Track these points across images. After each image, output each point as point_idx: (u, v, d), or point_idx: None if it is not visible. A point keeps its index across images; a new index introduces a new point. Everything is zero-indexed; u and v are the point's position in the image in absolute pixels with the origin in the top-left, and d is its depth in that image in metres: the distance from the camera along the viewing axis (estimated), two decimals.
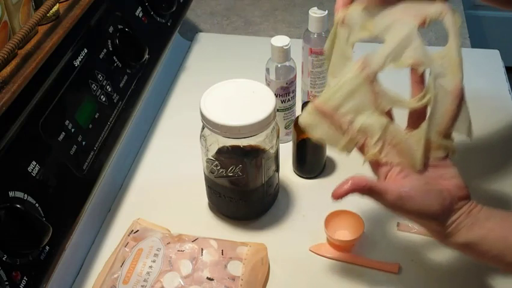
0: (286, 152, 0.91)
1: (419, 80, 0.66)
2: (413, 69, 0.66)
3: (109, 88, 0.85)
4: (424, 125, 0.64)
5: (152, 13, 1.00)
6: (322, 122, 0.65)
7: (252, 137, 0.78)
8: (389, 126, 0.65)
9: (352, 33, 0.67)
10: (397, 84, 0.65)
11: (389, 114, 0.66)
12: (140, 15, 0.97)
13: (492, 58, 1.14)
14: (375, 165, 0.66)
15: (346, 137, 0.65)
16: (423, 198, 0.64)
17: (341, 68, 0.66)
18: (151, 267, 0.75)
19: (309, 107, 0.65)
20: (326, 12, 0.93)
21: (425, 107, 0.65)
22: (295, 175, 0.93)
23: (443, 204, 0.64)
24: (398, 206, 0.64)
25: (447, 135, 0.65)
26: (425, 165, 0.65)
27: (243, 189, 0.83)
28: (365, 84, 0.64)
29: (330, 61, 0.69)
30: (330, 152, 0.92)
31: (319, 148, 0.90)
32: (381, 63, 0.64)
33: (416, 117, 0.66)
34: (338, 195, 0.64)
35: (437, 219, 0.64)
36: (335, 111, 0.64)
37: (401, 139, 0.64)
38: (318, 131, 0.66)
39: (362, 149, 0.66)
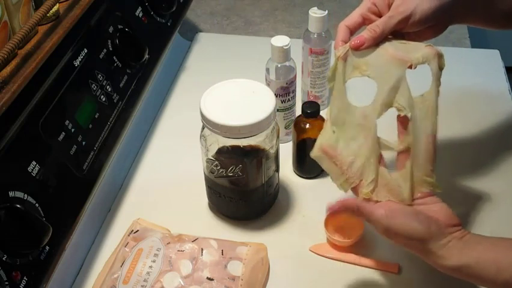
0: (286, 152, 0.91)
1: (404, 124, 0.71)
2: (398, 115, 0.71)
3: (109, 88, 0.85)
4: (408, 164, 0.70)
5: (152, 13, 1.00)
6: (327, 159, 0.71)
7: (252, 137, 0.78)
8: (380, 168, 0.70)
9: (347, 71, 0.72)
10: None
11: (380, 157, 0.71)
12: (140, 15, 0.97)
13: (492, 58, 1.14)
14: (368, 201, 0.71)
15: (344, 177, 0.70)
16: (411, 219, 0.67)
17: (340, 102, 0.72)
18: (151, 267, 0.75)
19: (317, 143, 0.71)
20: (326, 12, 0.93)
21: (409, 149, 0.70)
22: (295, 175, 0.93)
23: (429, 228, 0.66)
24: (386, 226, 0.67)
25: (428, 173, 0.70)
26: (413, 199, 0.70)
27: (243, 189, 0.83)
28: (364, 131, 0.70)
29: (331, 86, 0.73)
30: None
31: None
32: (379, 111, 0.70)
33: (403, 158, 0.71)
34: (331, 209, 0.70)
35: (426, 241, 0.66)
36: (338, 153, 0.70)
37: (390, 179, 0.70)
38: (323, 164, 0.71)
39: (355, 190, 0.70)
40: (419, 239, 0.66)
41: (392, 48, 0.72)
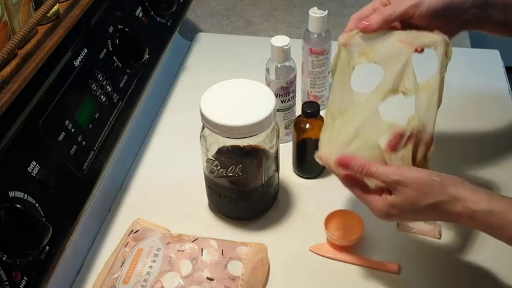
0: (286, 152, 0.91)
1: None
2: None
3: (109, 88, 0.85)
4: (409, 147, 0.70)
5: (152, 13, 1.00)
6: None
7: (252, 137, 0.78)
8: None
9: (352, 58, 0.72)
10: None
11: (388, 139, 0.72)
12: (140, 15, 0.97)
13: (492, 58, 1.14)
14: None
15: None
16: (420, 172, 0.67)
17: (342, 88, 0.73)
18: (151, 267, 0.75)
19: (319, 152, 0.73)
20: (326, 12, 0.93)
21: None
22: (295, 175, 0.93)
23: (439, 174, 0.67)
24: (399, 179, 0.66)
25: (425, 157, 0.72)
26: None
27: (243, 189, 0.83)
28: (364, 113, 0.71)
29: (334, 77, 0.74)
30: None
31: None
32: (382, 95, 0.71)
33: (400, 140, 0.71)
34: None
35: (445, 185, 0.66)
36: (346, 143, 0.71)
37: (390, 161, 0.70)
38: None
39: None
40: (438, 184, 0.65)
41: (399, 35, 0.72)
